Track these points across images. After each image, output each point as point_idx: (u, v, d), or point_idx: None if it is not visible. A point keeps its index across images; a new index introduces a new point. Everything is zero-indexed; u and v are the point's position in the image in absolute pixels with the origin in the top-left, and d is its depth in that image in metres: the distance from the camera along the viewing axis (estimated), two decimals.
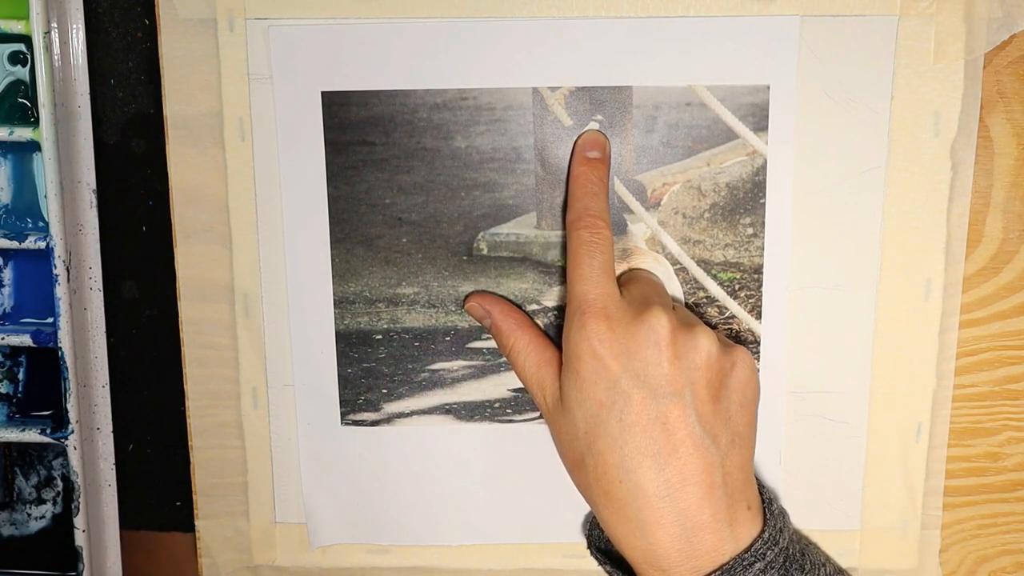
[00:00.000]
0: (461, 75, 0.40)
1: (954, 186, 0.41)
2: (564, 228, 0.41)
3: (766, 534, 0.36)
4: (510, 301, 0.42)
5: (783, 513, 0.39)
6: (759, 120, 0.41)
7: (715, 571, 0.35)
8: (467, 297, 0.42)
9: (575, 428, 0.37)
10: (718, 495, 0.35)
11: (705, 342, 0.36)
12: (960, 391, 0.44)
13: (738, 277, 0.42)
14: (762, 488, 0.39)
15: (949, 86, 0.40)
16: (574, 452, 0.37)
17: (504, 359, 0.43)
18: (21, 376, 0.46)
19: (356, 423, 0.44)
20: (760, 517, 0.37)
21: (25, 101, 0.43)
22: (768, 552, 0.36)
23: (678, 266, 0.42)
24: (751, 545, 0.36)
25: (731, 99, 0.40)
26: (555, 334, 0.43)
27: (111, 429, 0.45)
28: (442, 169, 0.42)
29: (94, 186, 0.43)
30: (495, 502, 0.44)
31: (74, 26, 0.41)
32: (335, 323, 0.43)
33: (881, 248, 0.42)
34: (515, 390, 0.43)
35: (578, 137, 0.41)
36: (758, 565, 0.35)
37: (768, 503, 0.38)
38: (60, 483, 0.47)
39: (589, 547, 0.43)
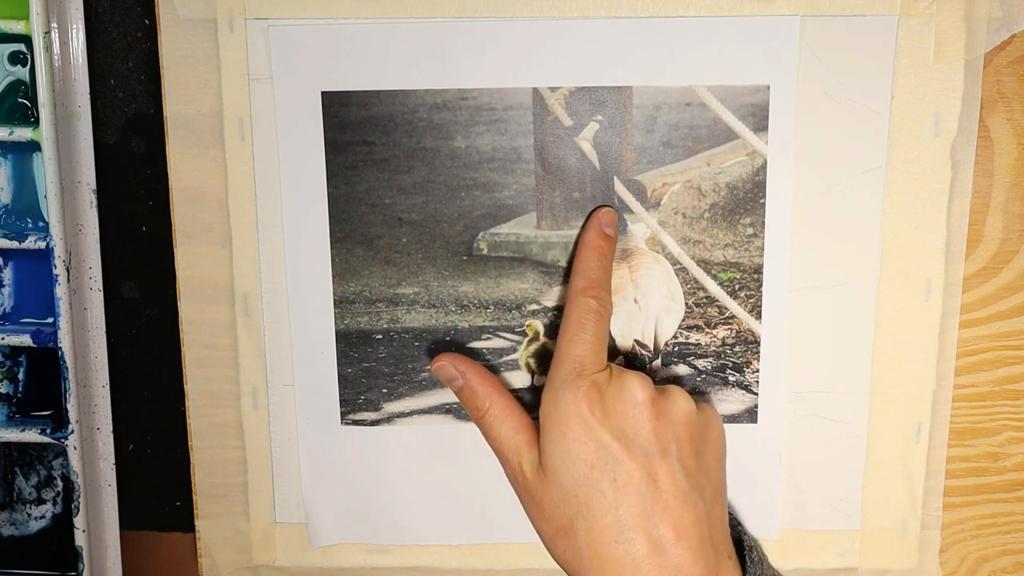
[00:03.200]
0: (461, 75, 0.40)
1: (954, 186, 0.41)
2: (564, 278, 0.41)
3: None
4: (481, 364, 0.41)
5: (763, 560, 0.40)
6: (759, 120, 0.41)
7: None
8: (436, 356, 0.41)
9: (562, 493, 0.36)
10: (707, 548, 0.36)
11: (682, 400, 0.38)
12: (960, 391, 0.44)
13: (738, 277, 0.42)
14: (744, 535, 0.41)
15: (949, 86, 0.40)
16: (561, 518, 0.37)
17: (503, 360, 0.43)
18: (21, 376, 0.46)
19: (356, 423, 0.44)
20: (738, 567, 0.38)
21: (25, 101, 0.43)
22: None
23: (678, 266, 0.42)
24: None
25: (731, 99, 0.40)
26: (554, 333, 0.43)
27: (111, 429, 0.45)
28: (442, 169, 0.42)
29: (94, 186, 0.43)
30: (495, 502, 0.44)
31: (74, 26, 0.41)
32: (335, 323, 0.43)
33: (881, 248, 0.42)
34: (515, 390, 0.43)
35: (596, 209, 0.41)
36: None
37: (748, 551, 0.39)
38: (60, 483, 0.47)
39: None
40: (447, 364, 0.40)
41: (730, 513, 0.43)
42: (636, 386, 0.37)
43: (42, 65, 0.40)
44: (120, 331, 0.45)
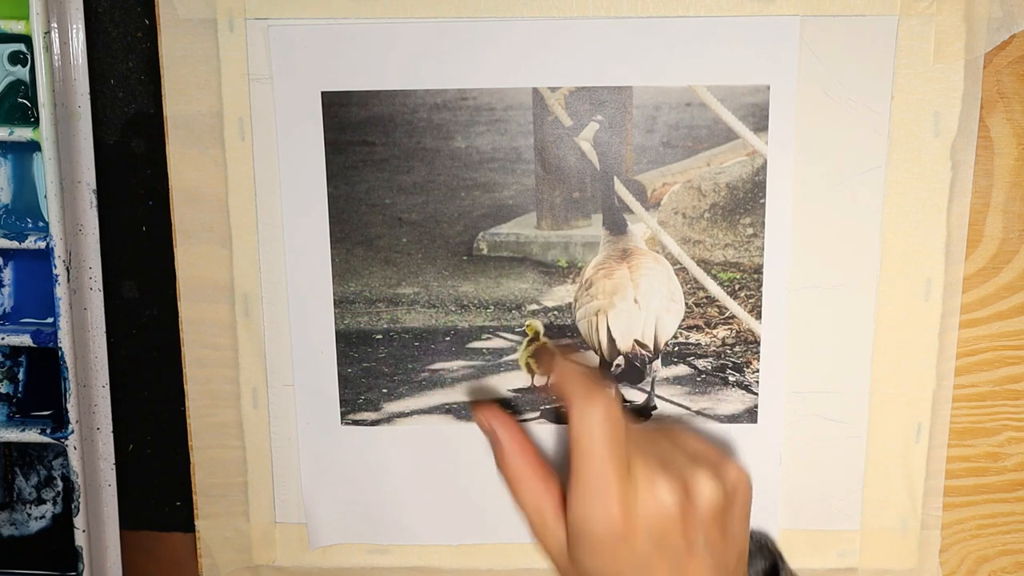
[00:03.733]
0: (461, 75, 0.40)
1: (954, 186, 0.41)
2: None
3: None
4: (515, 419, 0.41)
5: None
6: (759, 120, 0.41)
7: None
8: (475, 405, 0.40)
9: None
10: None
11: (707, 489, 0.37)
12: (960, 391, 0.44)
13: (738, 277, 0.42)
14: (782, 569, 0.41)
15: (949, 86, 0.40)
16: None
17: (503, 360, 0.43)
18: (21, 376, 0.46)
19: (356, 423, 0.44)
20: None
21: (25, 101, 0.43)
22: None
23: (678, 266, 0.42)
24: None
25: (731, 99, 0.40)
26: (557, 333, 0.43)
27: (111, 429, 0.45)
28: (442, 169, 0.42)
29: (94, 186, 0.43)
30: (495, 502, 0.44)
31: (74, 26, 0.41)
32: (335, 323, 0.43)
33: (881, 248, 0.42)
34: (515, 390, 0.43)
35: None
36: None
37: None
38: (60, 483, 0.47)
39: None
40: (482, 419, 0.40)
41: (769, 544, 0.44)
42: (665, 493, 0.36)
43: (42, 65, 0.40)
44: (120, 331, 0.45)
